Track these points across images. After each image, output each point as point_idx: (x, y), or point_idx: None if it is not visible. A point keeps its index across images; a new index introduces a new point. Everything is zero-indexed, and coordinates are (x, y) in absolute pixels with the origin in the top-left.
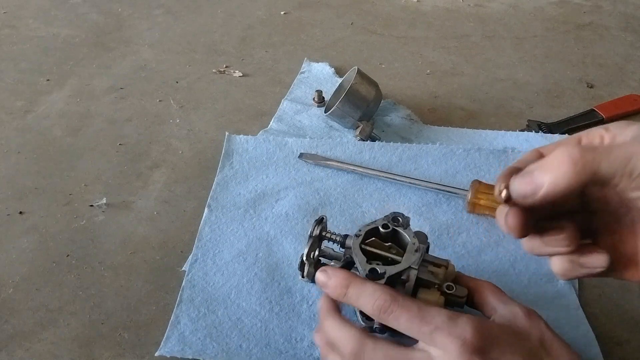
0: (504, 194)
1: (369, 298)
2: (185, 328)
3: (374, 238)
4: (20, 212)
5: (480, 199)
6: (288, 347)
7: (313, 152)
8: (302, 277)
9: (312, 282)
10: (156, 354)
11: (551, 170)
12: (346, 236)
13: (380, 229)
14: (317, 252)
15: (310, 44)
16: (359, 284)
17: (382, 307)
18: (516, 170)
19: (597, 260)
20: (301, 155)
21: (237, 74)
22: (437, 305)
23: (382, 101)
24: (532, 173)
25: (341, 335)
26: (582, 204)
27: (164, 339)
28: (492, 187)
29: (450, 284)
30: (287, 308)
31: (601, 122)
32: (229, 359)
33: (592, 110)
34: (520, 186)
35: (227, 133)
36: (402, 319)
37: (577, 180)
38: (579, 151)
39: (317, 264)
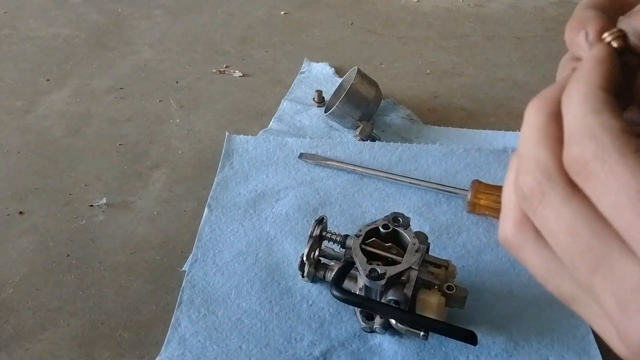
0: (616, 39)
1: None
2: (185, 330)
3: (374, 238)
4: (20, 212)
5: (480, 199)
6: (288, 347)
7: (313, 152)
8: (302, 277)
9: (312, 282)
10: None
11: None
12: (346, 236)
13: (381, 229)
14: (317, 252)
15: (310, 44)
16: None
17: None
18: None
19: None
20: (301, 155)
21: (237, 74)
22: (437, 306)
23: (382, 101)
24: None
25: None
26: None
27: (164, 343)
28: (492, 187)
29: (451, 284)
30: (287, 308)
31: None
32: None
33: None
34: None
35: (227, 133)
36: None
37: None
38: None
39: (317, 264)
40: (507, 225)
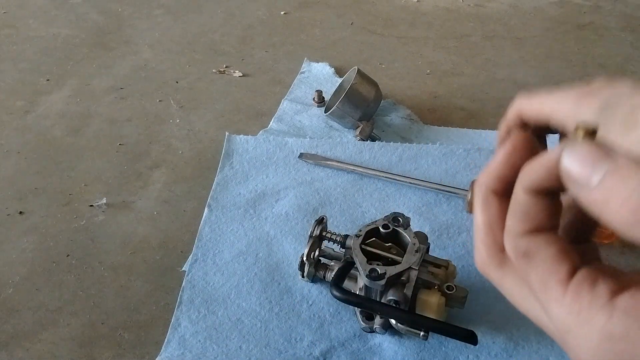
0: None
1: None
2: (185, 331)
3: (374, 238)
4: (20, 212)
5: None
6: (288, 346)
7: (313, 152)
8: (302, 277)
9: (312, 282)
10: None
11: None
12: (346, 236)
13: (381, 229)
14: (317, 252)
15: (310, 44)
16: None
17: None
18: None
19: None
20: (301, 155)
21: (237, 74)
22: (437, 306)
23: (382, 101)
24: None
25: None
26: None
27: (164, 343)
28: None
29: (451, 284)
30: (287, 308)
31: None
32: None
33: None
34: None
35: (227, 133)
36: None
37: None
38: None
39: (317, 264)
40: (480, 257)
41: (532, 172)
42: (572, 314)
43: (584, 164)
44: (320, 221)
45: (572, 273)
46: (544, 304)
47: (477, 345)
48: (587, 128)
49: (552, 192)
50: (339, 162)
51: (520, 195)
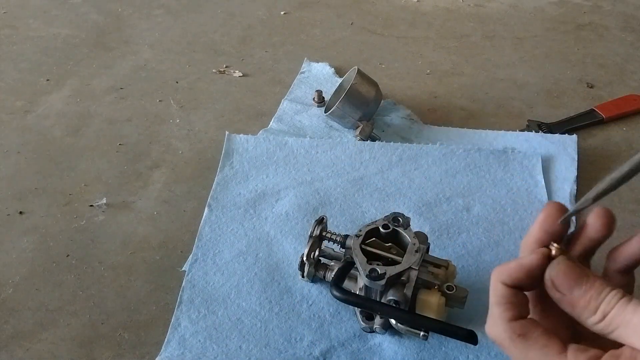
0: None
1: None
2: (185, 330)
3: (374, 238)
4: (20, 212)
5: None
6: (287, 346)
7: (313, 152)
8: (302, 277)
9: (312, 282)
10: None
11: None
12: (346, 236)
13: (381, 229)
14: (317, 252)
15: (310, 44)
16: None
17: None
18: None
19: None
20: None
21: (237, 74)
22: (437, 306)
23: (382, 101)
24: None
25: None
26: None
27: (164, 343)
28: None
29: (451, 284)
30: (287, 308)
31: (601, 122)
32: None
33: (592, 110)
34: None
35: (227, 132)
36: None
37: None
38: None
39: (317, 264)
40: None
41: (512, 271)
42: None
43: (568, 278)
44: (320, 221)
45: (565, 346)
46: None
47: (477, 345)
48: (559, 248)
49: (521, 287)
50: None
51: (499, 287)
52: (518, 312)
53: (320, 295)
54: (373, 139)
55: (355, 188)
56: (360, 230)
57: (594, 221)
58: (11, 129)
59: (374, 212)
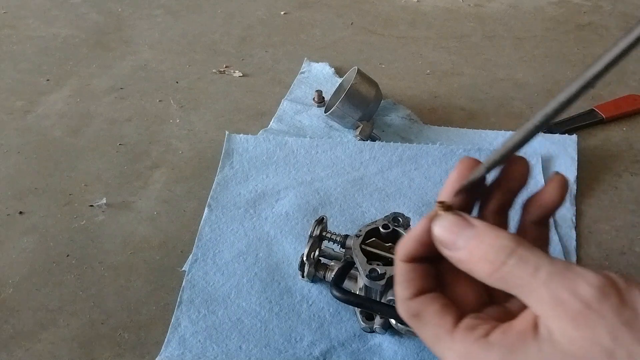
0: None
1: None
2: (185, 330)
3: (374, 238)
4: (20, 212)
5: None
6: (287, 346)
7: (313, 152)
8: (302, 277)
9: (312, 282)
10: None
11: (473, 264)
12: (346, 236)
13: (381, 229)
14: (317, 252)
15: (310, 44)
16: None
17: None
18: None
19: None
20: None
21: (237, 74)
22: None
23: (382, 101)
24: (458, 247)
25: None
26: None
27: (164, 343)
28: None
29: None
30: (287, 308)
31: (601, 122)
32: None
33: (592, 110)
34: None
35: (227, 132)
36: None
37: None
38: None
39: (317, 264)
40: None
41: (405, 245)
42: (462, 357)
43: (451, 231)
44: (320, 221)
45: (456, 324)
46: (440, 354)
47: None
48: (444, 205)
49: (423, 259)
50: None
51: (400, 265)
52: (417, 289)
53: (320, 295)
54: (373, 139)
55: (355, 188)
56: (360, 230)
57: (510, 171)
58: (11, 129)
59: (374, 212)
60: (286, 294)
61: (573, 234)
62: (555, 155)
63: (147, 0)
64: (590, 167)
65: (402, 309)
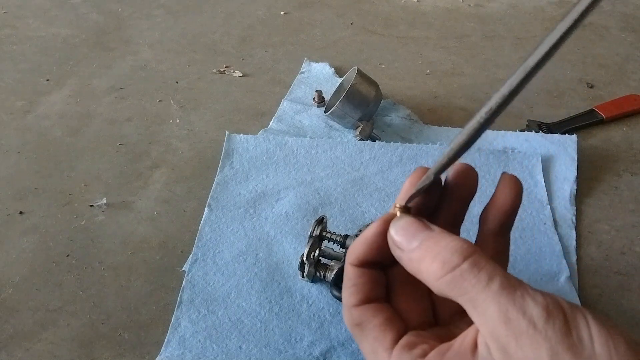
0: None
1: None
2: (185, 330)
3: None
4: (20, 212)
5: None
6: (287, 346)
7: (313, 152)
8: (302, 277)
9: (312, 282)
10: None
11: (424, 270)
12: (346, 236)
13: None
14: (317, 252)
15: (310, 44)
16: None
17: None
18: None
19: None
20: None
21: (237, 74)
22: None
23: (382, 101)
24: (413, 259)
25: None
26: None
27: (164, 343)
28: None
29: None
30: (287, 308)
31: (601, 122)
32: None
33: (592, 110)
34: (397, 237)
35: (227, 132)
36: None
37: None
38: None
39: (317, 264)
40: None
41: (356, 247)
42: None
43: (407, 232)
44: (320, 221)
45: (397, 340)
46: None
47: None
48: (402, 206)
49: (373, 264)
50: None
51: (349, 269)
52: (364, 296)
53: (320, 295)
54: (373, 139)
55: (355, 188)
56: (360, 230)
57: (457, 180)
58: (11, 129)
59: (374, 212)
60: (286, 294)
61: (573, 234)
62: (555, 155)
63: (147, 0)
64: (590, 167)
65: (346, 316)
